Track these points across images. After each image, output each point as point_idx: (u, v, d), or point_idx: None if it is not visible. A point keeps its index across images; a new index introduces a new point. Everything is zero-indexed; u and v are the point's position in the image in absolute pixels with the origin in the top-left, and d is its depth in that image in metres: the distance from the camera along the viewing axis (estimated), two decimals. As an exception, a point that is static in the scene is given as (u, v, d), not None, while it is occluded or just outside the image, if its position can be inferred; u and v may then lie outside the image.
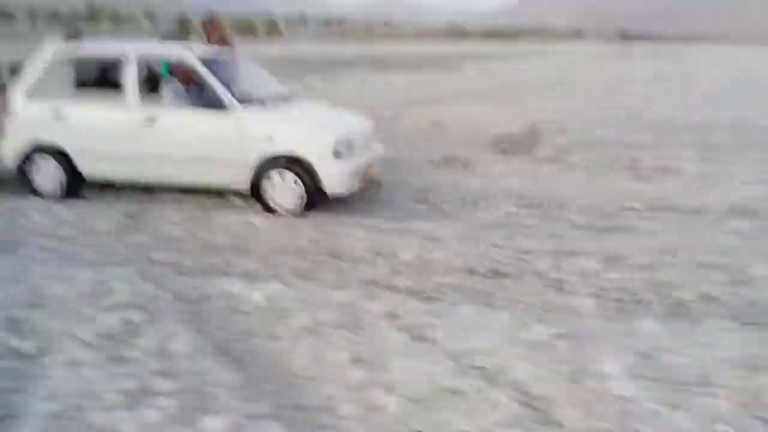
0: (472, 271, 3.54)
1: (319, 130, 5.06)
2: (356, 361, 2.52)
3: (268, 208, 4.92)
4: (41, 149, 5.36)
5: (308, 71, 19.79)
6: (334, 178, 4.85)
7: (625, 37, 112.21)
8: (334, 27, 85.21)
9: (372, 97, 12.83)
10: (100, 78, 5.75)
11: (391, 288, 3.29)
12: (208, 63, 5.21)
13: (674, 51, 50.84)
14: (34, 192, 5.40)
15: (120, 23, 54.17)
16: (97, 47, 5.84)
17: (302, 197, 4.87)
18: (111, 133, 5.25)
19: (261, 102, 5.16)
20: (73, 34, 5.69)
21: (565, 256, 3.76)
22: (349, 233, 4.37)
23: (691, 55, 42.51)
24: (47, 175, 5.39)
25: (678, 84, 17.86)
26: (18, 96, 5.42)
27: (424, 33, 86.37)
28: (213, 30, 6.42)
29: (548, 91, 15.42)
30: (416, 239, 4.13)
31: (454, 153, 6.91)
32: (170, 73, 5.49)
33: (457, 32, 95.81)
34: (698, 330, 2.81)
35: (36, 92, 5.43)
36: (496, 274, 3.50)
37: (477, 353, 2.56)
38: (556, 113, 10.61)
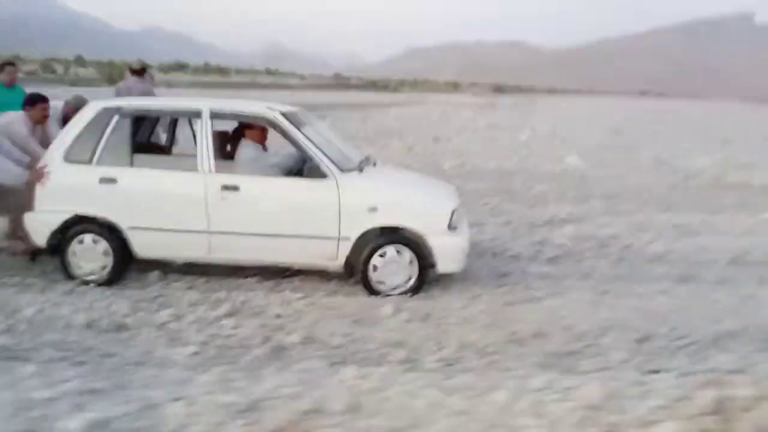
0: None
1: (431, 199, 4.60)
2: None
3: (370, 289, 4.37)
4: (82, 223, 4.43)
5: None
6: (448, 254, 4.38)
7: (498, 90, 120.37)
8: (215, 75, 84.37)
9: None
10: (158, 137, 5.19)
11: None
12: (294, 122, 4.53)
13: (531, 102, 55.27)
14: (70, 276, 4.47)
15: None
16: (159, 102, 5.10)
17: (412, 276, 4.37)
18: (178, 204, 4.41)
19: (356, 167, 4.52)
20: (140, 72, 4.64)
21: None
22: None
23: (544, 106, 46.42)
24: (88, 255, 4.45)
25: (502, 133, 19.50)
26: (54, 159, 4.45)
27: (309, 83, 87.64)
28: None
29: (381, 138, 16.27)
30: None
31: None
32: (243, 134, 4.79)
33: (342, 83, 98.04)
34: None
35: (77, 154, 4.46)
36: None
37: None
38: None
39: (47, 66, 59.14)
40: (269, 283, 4.62)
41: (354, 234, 4.30)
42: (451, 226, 4.37)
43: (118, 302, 4.10)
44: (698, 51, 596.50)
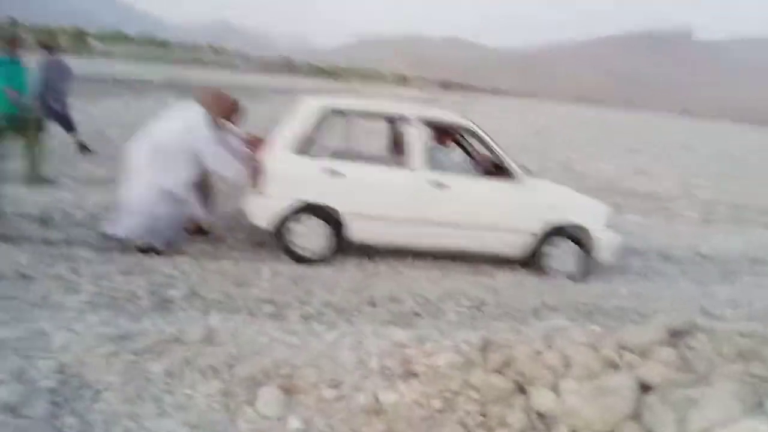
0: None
1: (591, 200, 5.56)
2: None
3: (542, 273, 5.38)
4: (307, 209, 5.01)
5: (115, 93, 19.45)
6: (606, 247, 5.39)
7: (445, 86, 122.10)
8: (158, 48, 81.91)
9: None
10: (370, 137, 5.99)
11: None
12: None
13: (471, 101, 56.78)
14: (292, 255, 5.09)
15: None
16: (370, 104, 5.70)
17: (580, 263, 5.37)
18: (392, 196, 5.09)
19: (528, 170, 5.44)
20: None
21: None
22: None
23: (482, 106, 47.89)
24: (310, 237, 5.08)
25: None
26: (281, 152, 4.99)
27: (256, 65, 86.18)
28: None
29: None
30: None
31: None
32: (440, 139, 5.61)
33: (289, 67, 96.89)
34: None
35: (302, 148, 5.06)
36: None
37: None
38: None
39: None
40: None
41: (537, 228, 5.26)
42: (608, 223, 5.40)
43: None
44: (639, 63, 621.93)
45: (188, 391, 2.77)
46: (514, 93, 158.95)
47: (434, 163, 5.23)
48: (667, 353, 2.41)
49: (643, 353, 2.48)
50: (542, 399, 2.46)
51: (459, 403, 2.71)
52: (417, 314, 4.34)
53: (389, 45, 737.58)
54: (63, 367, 2.83)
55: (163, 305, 4.01)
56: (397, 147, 5.61)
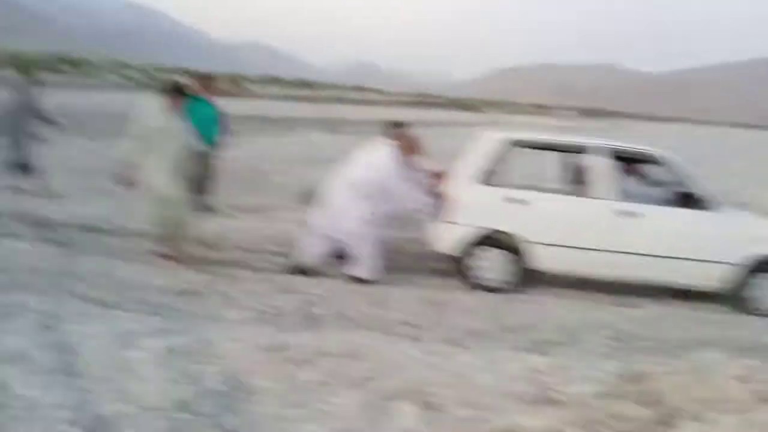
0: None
1: None
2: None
3: (748, 310, 5.02)
4: (491, 238, 5.17)
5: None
6: None
7: (587, 113, 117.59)
8: (305, 89, 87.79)
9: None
10: (550, 167, 6.07)
11: None
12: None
13: (615, 127, 54.05)
14: (473, 284, 5.24)
15: (85, 72, 55.20)
16: (555, 138, 6.11)
17: None
18: (578, 225, 5.11)
19: (717, 200, 5.21)
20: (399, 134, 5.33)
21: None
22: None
23: (627, 132, 45.38)
24: (494, 266, 5.21)
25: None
26: (466, 182, 5.25)
27: (394, 100, 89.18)
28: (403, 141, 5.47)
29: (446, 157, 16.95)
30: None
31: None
32: (629, 168, 5.63)
33: (426, 101, 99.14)
34: None
35: (486, 178, 5.26)
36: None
37: None
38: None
39: (149, 74, 63.78)
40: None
41: (737, 260, 4.97)
42: None
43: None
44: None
45: (334, 400, 2.97)
46: (666, 118, 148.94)
47: (622, 193, 5.17)
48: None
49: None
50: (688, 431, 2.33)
51: (600, 432, 2.63)
52: (557, 343, 4.24)
53: (527, 75, 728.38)
54: (227, 372, 3.16)
55: (311, 321, 4.32)
56: (580, 177, 5.61)
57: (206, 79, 7.26)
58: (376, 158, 5.27)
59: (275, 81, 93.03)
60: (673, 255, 4.97)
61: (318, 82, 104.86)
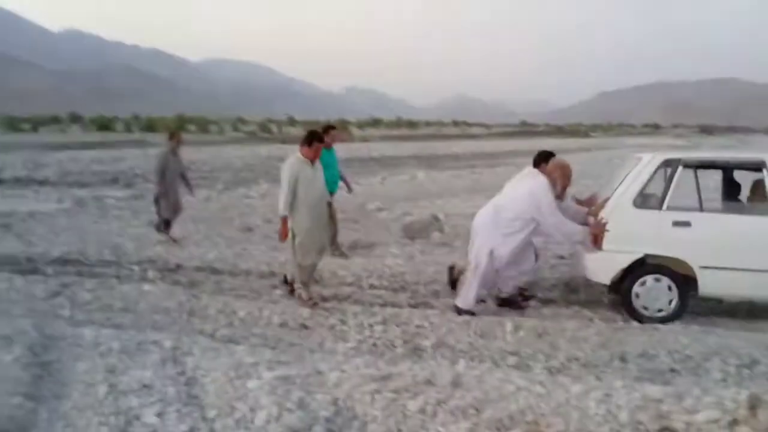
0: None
1: None
2: None
3: None
4: (651, 264, 4.98)
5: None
6: None
7: (706, 131, 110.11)
8: (407, 128, 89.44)
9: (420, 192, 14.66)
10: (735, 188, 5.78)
11: None
12: None
13: (742, 142, 50.16)
14: (632, 314, 5.03)
15: (205, 129, 59.93)
16: (717, 154, 6.07)
17: None
18: (752, 246, 4.82)
19: None
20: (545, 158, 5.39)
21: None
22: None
23: (755, 146, 42.02)
24: (655, 294, 4.97)
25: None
26: (622, 206, 5.04)
27: (493, 132, 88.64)
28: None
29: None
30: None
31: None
32: None
33: (528, 130, 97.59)
34: None
35: (644, 202, 5.12)
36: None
37: None
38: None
39: (264, 126, 68.10)
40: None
41: None
42: None
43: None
44: None
45: (441, 429, 3.00)
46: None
47: None
48: None
49: None
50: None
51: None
52: (673, 371, 4.01)
53: (632, 96, 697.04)
54: (336, 401, 3.30)
55: (416, 352, 4.39)
56: (755, 194, 5.37)
57: (328, 128, 7.63)
58: (528, 188, 5.16)
59: (377, 123, 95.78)
60: None
61: (418, 120, 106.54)
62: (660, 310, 4.94)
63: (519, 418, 3.05)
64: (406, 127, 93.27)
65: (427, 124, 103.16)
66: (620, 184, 5.14)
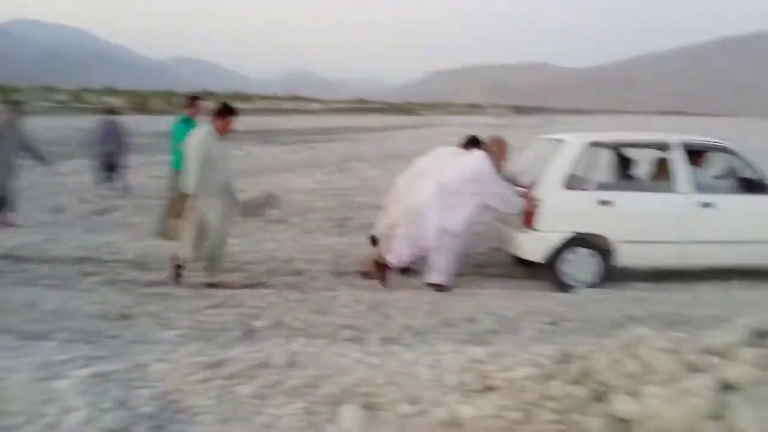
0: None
1: None
2: None
3: None
4: (578, 240, 5.27)
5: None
6: None
7: (520, 111, 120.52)
8: (241, 101, 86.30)
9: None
10: (630, 165, 6.09)
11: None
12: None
13: (549, 122, 55.75)
14: (561, 285, 5.35)
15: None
16: (632, 136, 6.43)
17: None
18: (662, 220, 5.34)
19: None
20: None
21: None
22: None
23: (560, 125, 46.92)
24: (580, 266, 5.33)
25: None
26: (551, 187, 5.29)
27: (330, 108, 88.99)
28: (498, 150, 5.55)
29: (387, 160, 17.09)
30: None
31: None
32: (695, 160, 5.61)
33: (363, 107, 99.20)
34: None
35: (571, 182, 5.36)
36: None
37: None
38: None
39: (78, 96, 61.56)
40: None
41: None
42: None
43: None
44: (727, 69, 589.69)
45: (274, 411, 2.92)
46: (594, 111, 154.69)
47: (697, 185, 5.39)
48: (750, 353, 2.31)
49: (726, 355, 2.38)
50: (622, 405, 2.41)
51: (538, 414, 2.69)
52: (494, 332, 4.33)
53: (461, 76, 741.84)
54: (161, 395, 3.06)
55: (251, 334, 4.24)
56: (659, 173, 5.77)
57: (194, 99, 7.17)
58: (469, 162, 5.31)
59: (209, 95, 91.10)
60: (746, 239, 5.34)
61: (253, 94, 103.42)
62: (584, 280, 5.36)
63: (354, 391, 3.07)
64: (241, 100, 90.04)
65: (262, 98, 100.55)
66: (549, 165, 5.43)
